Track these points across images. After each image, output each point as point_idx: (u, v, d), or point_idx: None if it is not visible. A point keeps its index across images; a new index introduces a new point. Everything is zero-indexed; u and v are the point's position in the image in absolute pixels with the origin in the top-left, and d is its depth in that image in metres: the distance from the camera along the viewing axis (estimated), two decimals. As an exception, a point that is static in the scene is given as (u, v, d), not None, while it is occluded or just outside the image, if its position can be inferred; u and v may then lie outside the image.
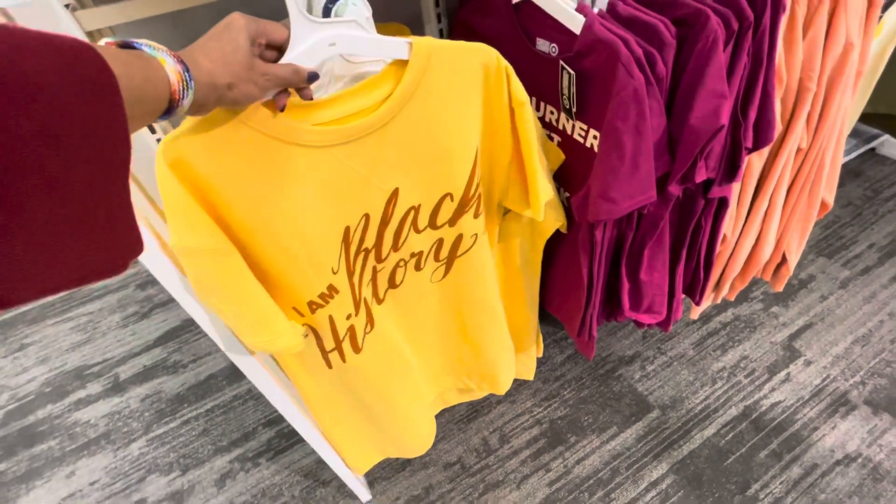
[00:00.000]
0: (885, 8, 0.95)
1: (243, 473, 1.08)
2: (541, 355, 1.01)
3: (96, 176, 0.23)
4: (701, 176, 0.59)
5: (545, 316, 1.22)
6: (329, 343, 0.62)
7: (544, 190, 0.60)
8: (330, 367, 0.67)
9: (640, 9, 0.53)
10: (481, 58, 0.51)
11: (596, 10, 0.55)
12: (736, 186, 0.77)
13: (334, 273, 0.57)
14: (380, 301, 0.68)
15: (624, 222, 0.68)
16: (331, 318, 0.59)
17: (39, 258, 0.21)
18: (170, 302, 1.56)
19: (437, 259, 0.69)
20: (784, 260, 0.90)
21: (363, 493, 0.99)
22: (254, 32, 0.37)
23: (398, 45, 0.48)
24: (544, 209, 0.62)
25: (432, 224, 0.63)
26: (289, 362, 0.69)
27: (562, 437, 1.05)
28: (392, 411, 0.79)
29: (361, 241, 0.59)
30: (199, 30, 0.73)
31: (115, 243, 0.25)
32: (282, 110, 0.44)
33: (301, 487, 1.04)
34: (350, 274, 0.60)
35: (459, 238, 0.66)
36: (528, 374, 1.00)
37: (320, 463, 1.08)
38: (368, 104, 0.50)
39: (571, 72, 0.56)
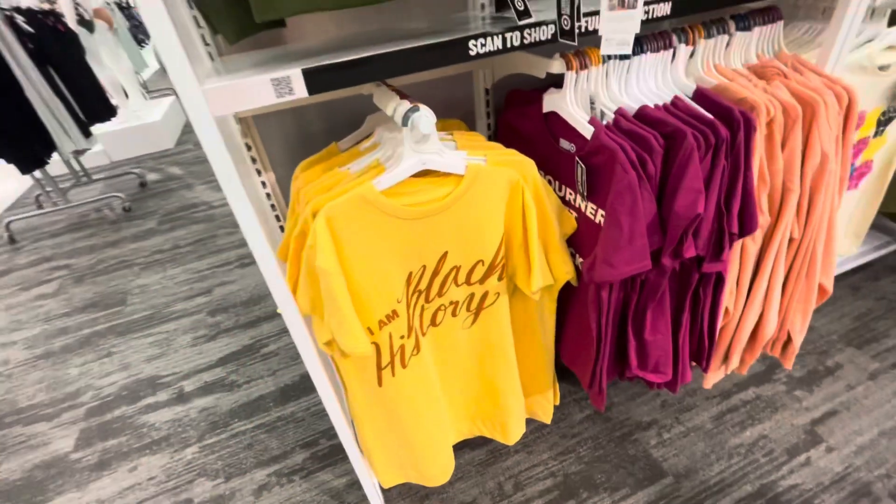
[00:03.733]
0: (888, 122, 1.09)
1: (279, 487, 1.19)
2: (558, 403, 1.10)
3: None
4: (689, 252, 0.72)
5: (566, 375, 1.31)
6: (386, 358, 0.80)
7: (536, 279, 0.78)
8: (380, 384, 0.83)
9: (638, 124, 0.70)
10: (508, 177, 0.73)
11: (605, 122, 0.73)
12: (734, 266, 0.88)
13: (398, 302, 0.76)
14: (423, 333, 0.85)
15: (628, 286, 0.80)
16: (390, 335, 0.78)
17: None
18: (234, 328, 1.77)
19: (468, 309, 0.86)
20: (790, 338, 0.97)
21: (383, 519, 1.08)
22: None
23: (459, 165, 0.71)
24: (539, 290, 0.81)
25: (468, 281, 0.82)
26: (350, 379, 0.85)
27: (574, 492, 1.10)
28: (421, 432, 0.92)
29: (418, 283, 0.78)
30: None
31: None
32: None
33: (328, 507, 1.14)
34: (408, 305, 0.79)
35: (486, 294, 0.84)
36: (546, 416, 1.09)
37: (347, 487, 1.17)
38: (435, 197, 0.72)
39: (583, 166, 0.73)
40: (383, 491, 1.14)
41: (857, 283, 1.58)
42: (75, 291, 2.14)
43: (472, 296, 0.85)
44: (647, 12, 0.67)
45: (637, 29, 0.56)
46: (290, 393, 1.46)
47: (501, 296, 0.85)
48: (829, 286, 0.92)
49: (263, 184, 0.93)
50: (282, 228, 1.00)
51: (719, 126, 0.68)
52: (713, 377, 1.07)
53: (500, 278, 0.83)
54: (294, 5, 0.51)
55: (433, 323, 0.86)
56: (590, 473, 1.13)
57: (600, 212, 0.76)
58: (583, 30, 0.63)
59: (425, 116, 0.63)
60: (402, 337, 0.80)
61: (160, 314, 1.91)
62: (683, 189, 0.66)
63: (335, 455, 1.26)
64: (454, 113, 1.03)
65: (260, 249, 0.64)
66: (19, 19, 2.27)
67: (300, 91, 0.55)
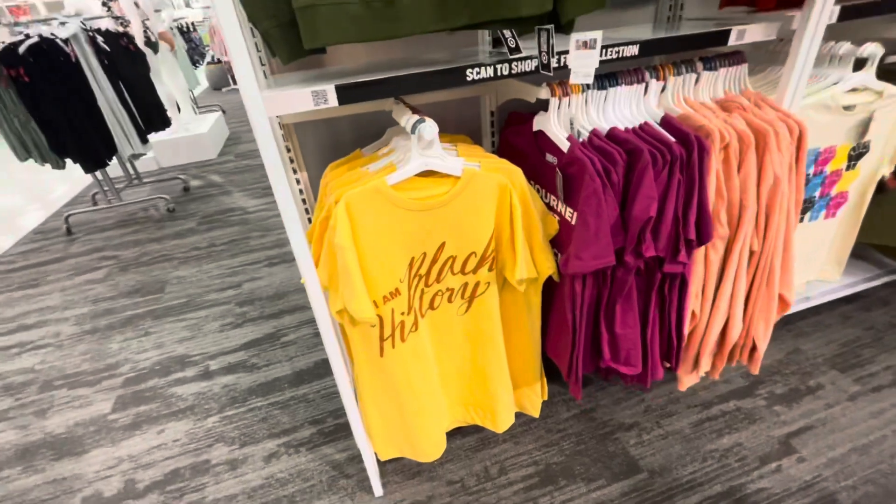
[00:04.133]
0: (859, 157, 1.20)
1: (286, 456, 1.32)
2: (545, 398, 1.20)
3: None
4: (649, 252, 0.84)
5: (556, 378, 1.41)
6: (387, 330, 0.93)
7: (521, 269, 0.91)
8: (382, 354, 0.96)
9: (606, 141, 0.84)
10: (498, 181, 0.87)
11: (581, 140, 0.87)
12: (699, 274, 0.99)
13: (401, 282, 0.90)
14: (422, 315, 0.98)
15: (599, 281, 0.93)
16: (392, 310, 0.91)
17: None
18: (258, 319, 1.94)
19: (462, 297, 0.99)
20: (755, 346, 1.06)
21: (378, 489, 1.19)
22: None
23: (456, 168, 0.85)
24: (524, 282, 0.94)
25: (462, 270, 0.95)
26: (357, 349, 0.98)
27: (553, 479, 1.19)
28: (416, 407, 1.04)
29: (419, 268, 0.92)
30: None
31: None
32: None
33: (328, 476, 1.26)
34: (409, 287, 0.92)
35: (478, 284, 0.97)
36: (534, 410, 1.20)
37: (348, 460, 1.29)
38: (436, 193, 0.87)
39: (562, 175, 0.87)
40: (379, 465, 1.25)
41: (848, 312, 1.63)
42: (121, 279, 2.37)
43: (465, 284, 0.98)
44: (617, 53, 0.82)
45: (596, 64, 0.71)
46: (303, 377, 1.61)
47: (492, 286, 0.98)
48: (789, 297, 1.01)
49: (298, 181, 1.11)
50: (310, 220, 1.16)
51: (674, 146, 0.81)
52: (688, 380, 1.16)
53: (490, 269, 0.96)
54: (331, 37, 0.68)
55: (431, 307, 0.99)
56: (570, 465, 1.22)
57: (575, 214, 0.89)
58: (560, 64, 0.78)
59: (429, 126, 0.78)
60: (402, 313, 0.94)
61: (194, 302, 2.10)
62: (640, 196, 0.79)
63: (339, 433, 1.38)
64: (464, 130, 1.20)
65: (293, 228, 0.80)
66: (99, 39, 2.61)
67: (333, 101, 0.72)
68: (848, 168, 1.20)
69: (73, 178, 3.96)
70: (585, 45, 0.69)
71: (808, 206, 1.24)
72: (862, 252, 1.74)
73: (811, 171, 1.18)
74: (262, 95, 0.66)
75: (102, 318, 2.06)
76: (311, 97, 0.71)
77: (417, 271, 0.93)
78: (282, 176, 0.73)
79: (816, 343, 1.52)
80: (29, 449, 1.44)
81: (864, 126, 1.13)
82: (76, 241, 2.85)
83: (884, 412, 1.28)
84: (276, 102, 0.69)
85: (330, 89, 0.71)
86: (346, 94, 0.72)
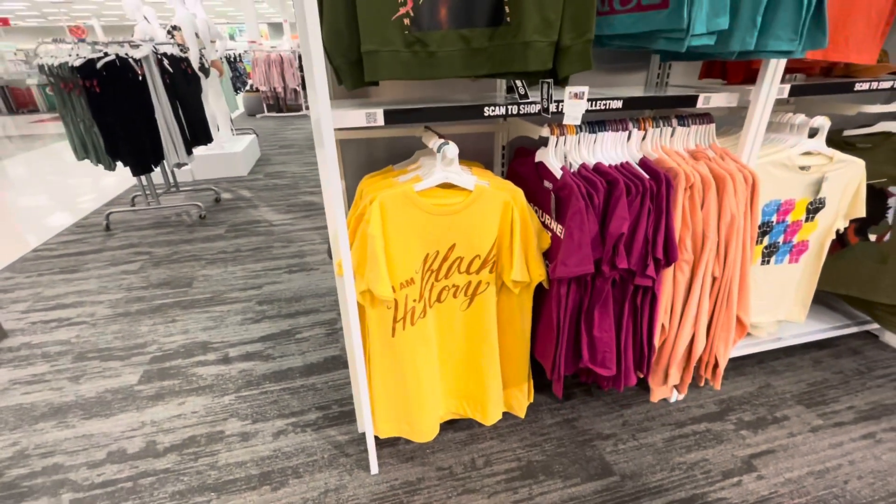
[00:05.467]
0: (816, 211, 1.39)
1: (293, 434, 1.46)
2: (532, 400, 1.34)
3: None
4: (622, 264, 1.02)
5: (544, 389, 1.55)
6: (400, 313, 1.10)
7: (516, 272, 1.09)
8: (393, 335, 1.13)
9: (592, 173, 1.04)
10: (503, 198, 1.06)
11: (572, 170, 1.07)
12: (668, 291, 1.16)
13: (416, 273, 1.08)
14: (430, 305, 1.15)
15: (581, 288, 1.10)
16: (406, 296, 1.09)
17: None
18: (276, 317, 2.11)
19: (465, 294, 1.17)
20: (717, 363, 1.21)
21: (374, 467, 1.31)
22: None
23: (470, 183, 1.05)
24: (519, 283, 1.12)
25: (467, 270, 1.14)
26: (373, 327, 1.15)
27: (533, 474, 1.30)
28: (417, 387, 1.19)
29: (432, 263, 1.11)
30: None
31: None
32: None
33: (330, 454, 1.38)
34: (422, 278, 1.10)
35: (479, 283, 1.15)
36: (520, 410, 1.33)
37: (348, 442, 1.42)
38: (452, 202, 1.06)
39: (555, 197, 1.07)
40: (377, 447, 1.38)
41: (820, 357, 1.76)
42: (153, 272, 2.57)
43: (469, 283, 1.16)
44: (605, 105, 1.04)
45: (584, 111, 0.92)
46: (313, 369, 1.76)
47: (491, 286, 1.16)
48: (746, 321, 1.17)
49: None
50: (341, 222, 1.36)
51: (646, 180, 1.01)
52: (659, 392, 1.30)
53: (490, 271, 1.14)
54: (387, 75, 0.90)
55: (439, 300, 1.17)
56: (549, 463, 1.34)
57: (563, 229, 1.08)
58: (557, 109, 1.00)
59: (451, 147, 1.00)
60: (414, 300, 1.12)
61: (218, 298, 2.28)
62: (615, 216, 0.99)
63: (343, 419, 1.52)
64: (479, 160, 1.42)
65: (335, 215, 0.99)
66: (165, 62, 2.96)
67: (380, 121, 0.94)
68: (807, 220, 1.39)
69: (100, 186, 4.27)
70: (576, 95, 0.91)
71: (773, 250, 1.42)
72: (833, 303, 1.89)
73: (774, 218, 1.36)
74: (331, 112, 0.88)
75: (134, 304, 2.24)
76: (364, 117, 0.93)
77: (430, 266, 1.12)
78: (336, 172, 0.94)
79: (787, 380, 1.65)
80: (62, 408, 1.59)
81: (819, 185, 1.32)
82: (114, 237, 3.08)
83: (842, 444, 1.39)
84: (340, 118, 0.91)
85: (379, 112, 0.93)
86: (391, 116, 0.94)
